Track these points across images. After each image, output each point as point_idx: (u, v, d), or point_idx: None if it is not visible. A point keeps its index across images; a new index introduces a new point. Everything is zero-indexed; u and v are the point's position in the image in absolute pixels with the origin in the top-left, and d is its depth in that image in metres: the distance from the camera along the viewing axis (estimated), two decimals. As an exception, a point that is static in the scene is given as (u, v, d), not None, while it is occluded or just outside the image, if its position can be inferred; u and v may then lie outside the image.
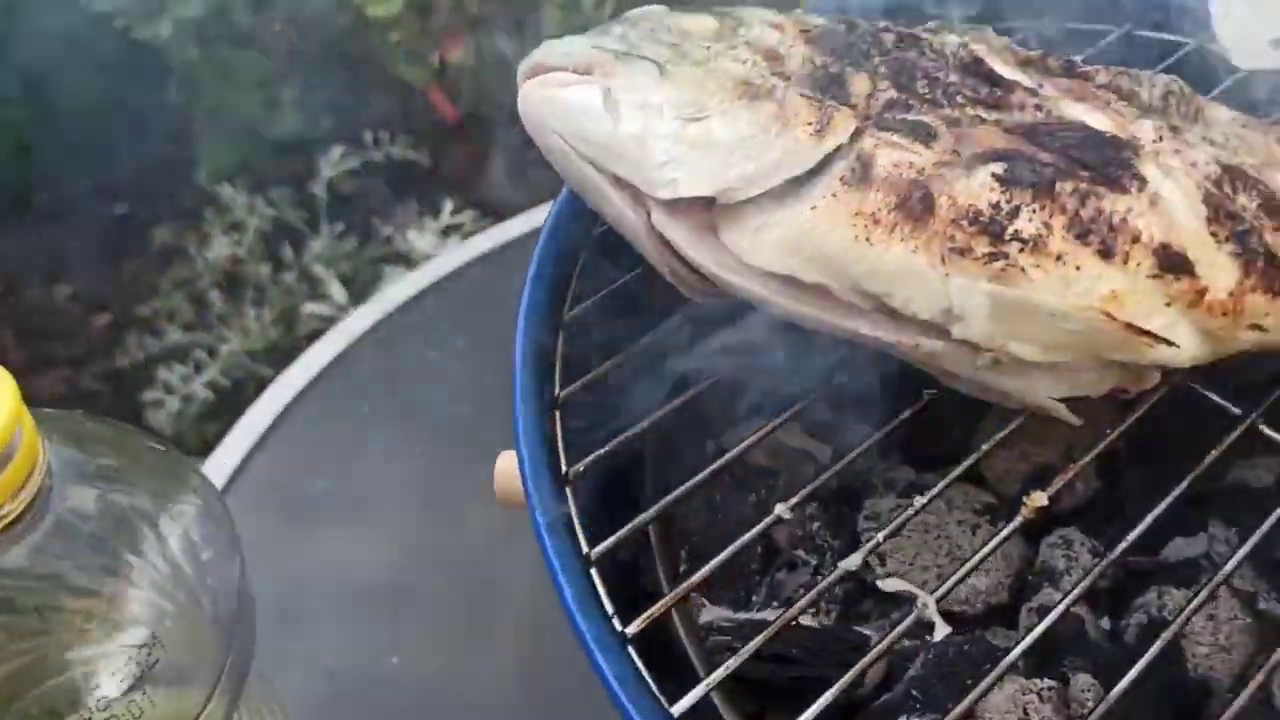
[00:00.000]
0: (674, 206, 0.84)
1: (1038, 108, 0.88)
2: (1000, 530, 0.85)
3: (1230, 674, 0.95)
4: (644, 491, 0.99)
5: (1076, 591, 0.82)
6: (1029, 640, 0.80)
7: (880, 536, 0.83)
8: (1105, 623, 0.98)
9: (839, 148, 0.83)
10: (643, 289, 0.95)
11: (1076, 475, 0.99)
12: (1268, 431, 0.92)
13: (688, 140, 0.83)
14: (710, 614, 0.98)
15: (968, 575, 0.83)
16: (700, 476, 0.84)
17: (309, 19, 3.14)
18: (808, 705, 0.76)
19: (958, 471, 0.88)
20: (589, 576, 0.79)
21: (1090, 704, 0.85)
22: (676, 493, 0.83)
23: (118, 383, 2.96)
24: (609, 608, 0.78)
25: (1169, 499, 0.87)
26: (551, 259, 0.95)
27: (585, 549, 0.80)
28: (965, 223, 0.80)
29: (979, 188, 0.81)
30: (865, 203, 0.81)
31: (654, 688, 0.75)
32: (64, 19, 2.90)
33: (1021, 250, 0.80)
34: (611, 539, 0.81)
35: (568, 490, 0.83)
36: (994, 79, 0.90)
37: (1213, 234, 0.83)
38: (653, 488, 0.99)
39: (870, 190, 0.81)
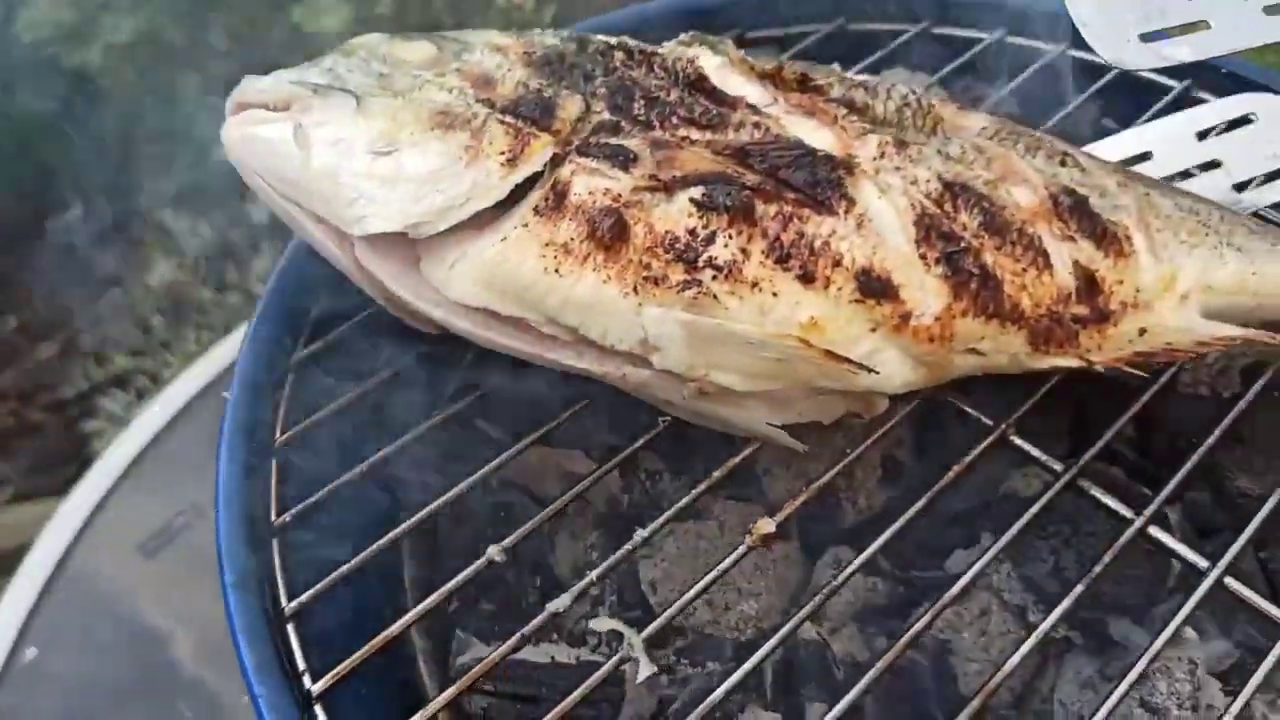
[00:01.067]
0: (375, 241, 0.82)
1: (756, 126, 0.86)
2: (734, 554, 0.83)
3: (1004, 689, 0.92)
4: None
5: (792, 623, 0.79)
6: (737, 677, 0.77)
7: (593, 575, 0.81)
8: (883, 643, 0.95)
9: (533, 176, 0.81)
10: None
11: (859, 495, 0.98)
12: (1017, 441, 0.89)
13: (377, 175, 0.81)
14: (478, 651, 0.96)
15: (681, 611, 0.81)
16: (409, 522, 0.82)
17: (248, 35, 3.13)
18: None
19: (683, 503, 0.85)
20: (280, 634, 0.77)
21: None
22: (381, 541, 0.81)
23: (63, 413, 2.97)
24: (300, 665, 0.76)
25: (909, 513, 0.85)
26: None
27: (284, 603, 0.78)
28: (661, 250, 0.78)
29: (677, 214, 0.79)
30: (557, 233, 0.79)
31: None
32: (-9, 51, 2.90)
33: (715, 277, 0.78)
34: (310, 592, 0.78)
35: (274, 542, 0.81)
36: (717, 96, 0.88)
37: (922, 256, 0.81)
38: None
39: (563, 220, 0.79)
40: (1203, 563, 0.82)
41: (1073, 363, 0.84)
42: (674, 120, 0.85)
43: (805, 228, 0.79)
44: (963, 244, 0.82)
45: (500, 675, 0.90)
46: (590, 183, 0.80)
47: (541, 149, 0.81)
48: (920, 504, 0.85)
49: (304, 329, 0.93)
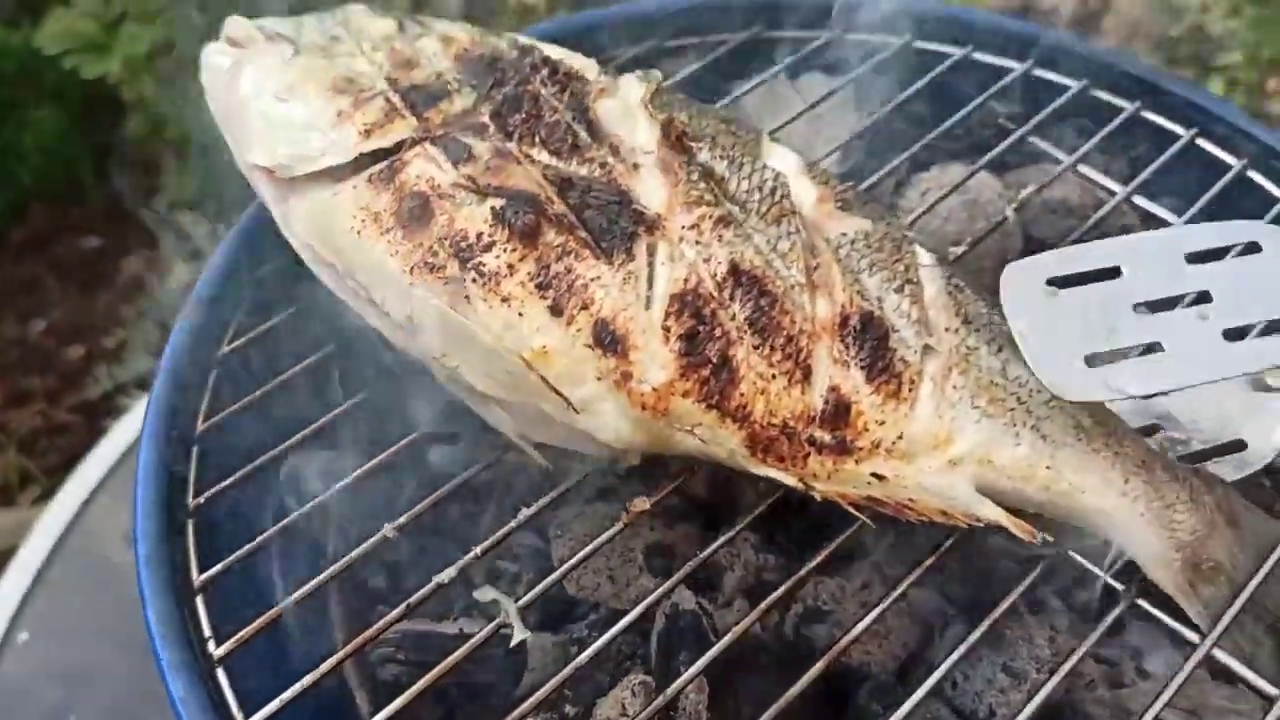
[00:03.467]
0: (260, 172, 0.92)
1: (603, 165, 0.90)
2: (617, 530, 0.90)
3: (890, 658, 0.98)
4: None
5: (658, 593, 0.85)
6: (602, 641, 0.84)
7: (478, 550, 0.87)
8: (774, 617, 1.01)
9: (380, 150, 0.89)
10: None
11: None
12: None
13: (269, 116, 0.92)
14: (401, 627, 1.02)
15: (556, 583, 0.87)
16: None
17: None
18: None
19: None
20: (189, 603, 0.84)
21: (691, 694, 0.88)
22: (287, 520, 0.88)
23: (90, 414, 3.06)
24: (206, 630, 0.83)
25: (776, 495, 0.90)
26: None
27: (194, 575, 0.85)
28: (449, 243, 0.85)
29: (477, 217, 0.85)
30: (375, 201, 0.87)
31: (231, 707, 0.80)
32: (15, 62, 3.00)
33: (476, 281, 0.84)
34: (218, 566, 0.85)
35: (189, 522, 0.88)
36: (594, 129, 0.92)
37: (665, 328, 0.83)
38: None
39: (385, 192, 0.87)
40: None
41: (790, 481, 0.83)
42: (535, 138, 0.91)
43: (576, 266, 0.84)
44: (716, 330, 0.84)
45: (411, 646, 0.97)
46: (422, 168, 0.88)
47: (397, 130, 0.90)
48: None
49: (230, 326, 1.00)
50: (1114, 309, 0.87)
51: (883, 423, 0.84)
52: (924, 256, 0.91)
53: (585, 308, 0.83)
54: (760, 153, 0.95)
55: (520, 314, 0.82)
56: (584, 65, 0.99)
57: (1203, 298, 0.88)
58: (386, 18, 0.99)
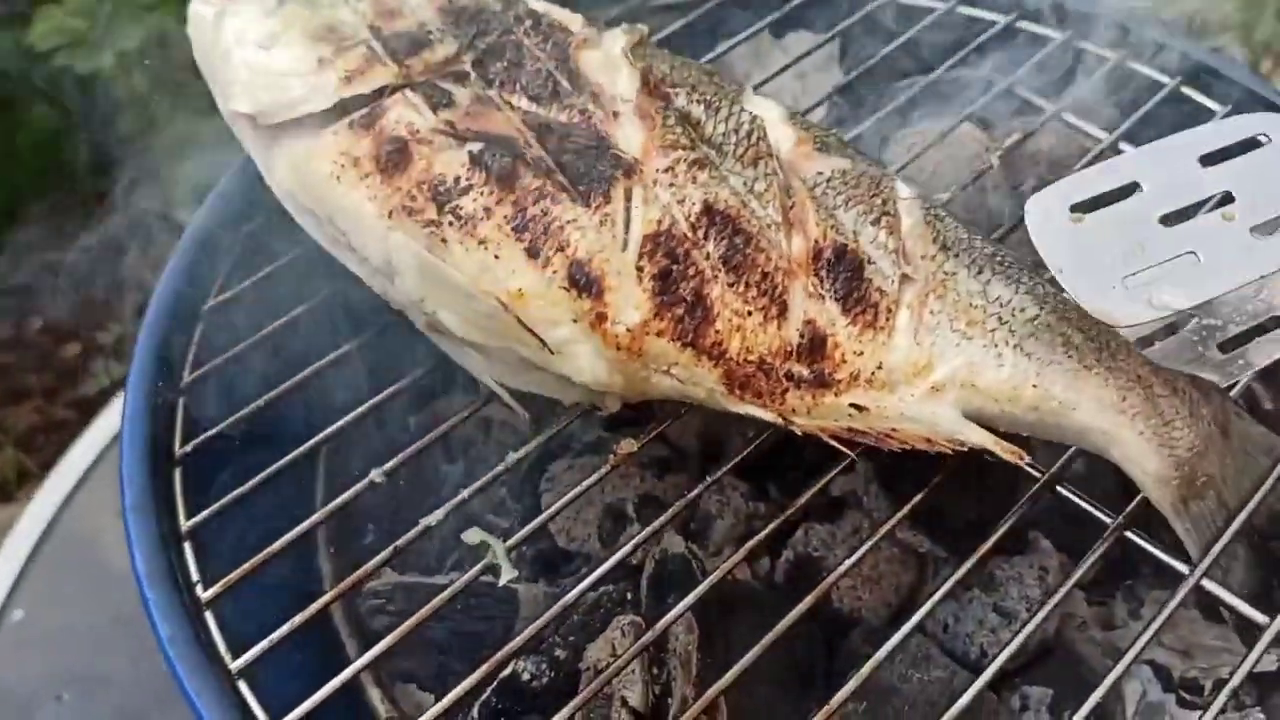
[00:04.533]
0: (243, 119, 0.92)
1: (582, 112, 0.90)
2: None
3: (882, 604, 0.98)
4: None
5: (645, 533, 0.85)
6: (588, 582, 0.83)
7: (466, 493, 0.87)
8: (765, 564, 1.01)
9: (360, 96, 0.89)
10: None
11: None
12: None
13: (251, 64, 0.92)
14: (391, 579, 1.02)
15: (545, 523, 0.87)
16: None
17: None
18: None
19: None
20: (176, 549, 0.84)
21: (680, 634, 0.88)
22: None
23: (87, 410, 3.05)
24: (194, 575, 0.83)
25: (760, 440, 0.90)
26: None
27: (181, 522, 0.85)
28: (426, 187, 0.84)
29: (456, 161, 0.85)
30: (354, 147, 0.87)
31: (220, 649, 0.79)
32: (7, 61, 3.00)
33: (453, 224, 0.83)
34: (204, 513, 0.85)
35: (176, 471, 0.88)
36: (575, 78, 0.92)
37: (639, 268, 0.83)
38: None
39: (365, 138, 0.87)
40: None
41: (769, 417, 0.83)
42: (516, 86, 0.91)
43: (553, 209, 0.84)
44: (690, 270, 0.83)
45: (401, 596, 0.97)
46: (402, 114, 0.88)
47: (377, 76, 0.90)
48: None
49: (217, 279, 1.00)
50: (1141, 226, 0.87)
51: (860, 353, 0.84)
52: (903, 190, 0.91)
53: (561, 250, 0.82)
54: (741, 100, 0.95)
55: (496, 256, 0.82)
56: (568, 18, 0.99)
57: (1225, 199, 0.88)
58: None
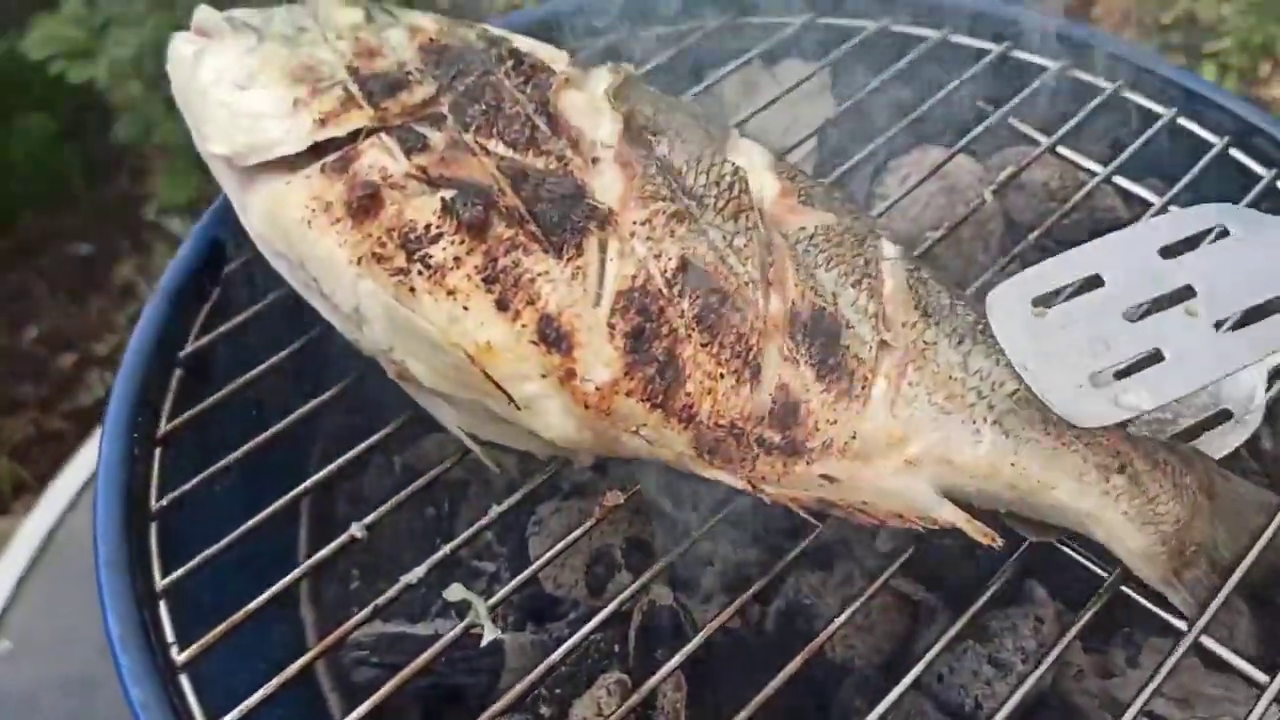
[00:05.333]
0: (218, 160, 0.90)
1: (560, 159, 0.88)
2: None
3: (874, 652, 0.96)
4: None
5: (634, 586, 0.84)
6: (577, 638, 0.82)
7: (447, 549, 0.86)
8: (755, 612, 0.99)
9: (335, 140, 0.87)
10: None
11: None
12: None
13: (227, 104, 0.90)
14: (375, 630, 1.00)
15: (529, 579, 0.86)
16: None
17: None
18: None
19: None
20: (151, 608, 0.82)
21: (669, 691, 0.86)
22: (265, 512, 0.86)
23: (83, 421, 3.04)
24: (170, 636, 0.81)
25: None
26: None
27: (157, 580, 0.84)
28: (397, 234, 0.83)
29: (427, 208, 0.83)
30: (327, 192, 0.85)
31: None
32: (1, 71, 2.99)
33: (422, 273, 0.81)
34: (181, 570, 0.84)
35: (152, 525, 0.87)
36: (555, 122, 0.90)
37: (611, 325, 0.81)
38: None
39: (338, 182, 0.85)
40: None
41: (739, 484, 0.81)
42: (493, 130, 0.88)
43: (524, 260, 0.82)
44: (663, 328, 0.81)
45: (385, 649, 0.95)
46: (376, 158, 0.86)
47: (352, 119, 0.87)
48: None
49: (195, 323, 0.98)
50: (1104, 321, 0.84)
51: (834, 422, 0.82)
52: (888, 249, 0.89)
53: (531, 303, 0.80)
54: (726, 148, 0.92)
55: (465, 308, 0.80)
56: (553, 56, 0.97)
57: (1186, 292, 0.86)
58: (355, 7, 0.98)
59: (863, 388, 0.82)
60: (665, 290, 0.82)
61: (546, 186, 0.84)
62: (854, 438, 0.81)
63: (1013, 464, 0.81)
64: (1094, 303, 0.86)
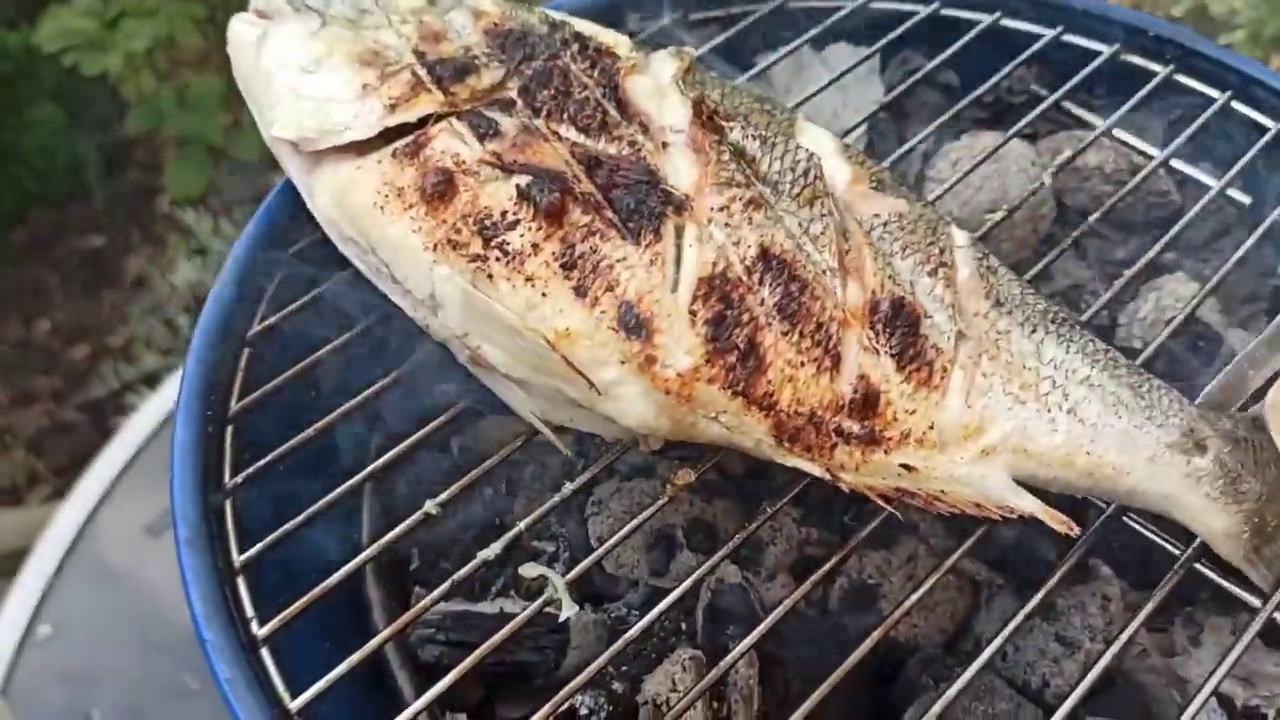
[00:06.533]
0: (285, 144, 0.90)
1: (632, 144, 0.88)
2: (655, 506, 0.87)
3: (937, 631, 0.96)
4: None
5: (703, 569, 0.84)
6: (651, 616, 0.82)
7: (522, 525, 0.86)
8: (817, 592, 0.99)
9: (406, 125, 0.87)
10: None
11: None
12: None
13: (294, 88, 0.89)
14: (441, 608, 1.00)
15: (600, 558, 0.86)
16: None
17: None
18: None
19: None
20: (230, 584, 0.82)
21: (741, 668, 0.86)
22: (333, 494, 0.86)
23: (96, 413, 3.04)
24: (249, 611, 0.82)
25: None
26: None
27: (235, 556, 0.84)
28: (472, 220, 0.83)
29: (503, 194, 0.83)
30: (399, 177, 0.85)
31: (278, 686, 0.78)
32: (14, 63, 2.98)
33: (499, 260, 0.82)
34: (258, 545, 0.84)
35: (227, 503, 0.87)
36: (624, 107, 0.90)
37: (692, 311, 0.81)
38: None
39: (410, 167, 0.85)
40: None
41: (816, 471, 0.81)
42: (563, 115, 0.88)
43: (602, 246, 0.82)
44: (744, 316, 0.81)
45: (452, 626, 0.96)
46: (448, 144, 0.86)
47: (423, 104, 0.87)
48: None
49: (262, 302, 0.98)
50: None
51: (913, 412, 0.82)
52: (959, 237, 0.89)
53: (610, 289, 0.80)
54: (794, 132, 0.93)
55: (544, 294, 0.80)
56: (615, 41, 0.97)
57: None
58: None
59: (941, 378, 0.83)
60: (745, 278, 0.82)
61: (621, 172, 0.84)
62: (931, 428, 0.82)
63: (1089, 452, 0.82)
64: None
